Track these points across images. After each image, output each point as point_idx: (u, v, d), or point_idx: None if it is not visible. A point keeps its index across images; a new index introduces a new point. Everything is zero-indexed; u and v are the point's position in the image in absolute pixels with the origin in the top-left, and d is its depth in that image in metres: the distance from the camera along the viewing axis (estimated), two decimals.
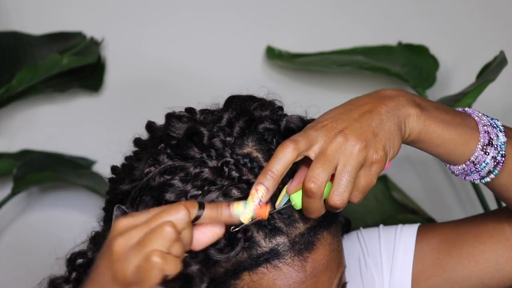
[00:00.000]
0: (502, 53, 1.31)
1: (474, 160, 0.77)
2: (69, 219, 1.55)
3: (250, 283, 0.75)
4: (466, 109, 0.81)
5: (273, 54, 1.57)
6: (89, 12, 1.56)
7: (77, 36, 1.53)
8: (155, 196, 0.75)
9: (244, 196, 0.72)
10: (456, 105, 1.17)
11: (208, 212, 0.69)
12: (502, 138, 0.78)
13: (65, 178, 1.45)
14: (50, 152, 1.52)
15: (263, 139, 0.79)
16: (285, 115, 0.82)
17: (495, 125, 0.79)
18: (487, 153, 0.77)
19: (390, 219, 1.50)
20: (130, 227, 0.67)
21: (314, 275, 0.75)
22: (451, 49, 1.62)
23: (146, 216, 0.67)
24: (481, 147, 0.77)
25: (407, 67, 1.55)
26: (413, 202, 1.58)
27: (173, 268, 0.65)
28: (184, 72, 1.57)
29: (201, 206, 0.69)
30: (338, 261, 0.79)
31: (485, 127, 0.78)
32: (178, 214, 0.67)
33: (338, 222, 0.80)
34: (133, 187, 0.78)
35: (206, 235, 0.70)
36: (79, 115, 1.57)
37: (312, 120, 0.82)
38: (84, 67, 1.51)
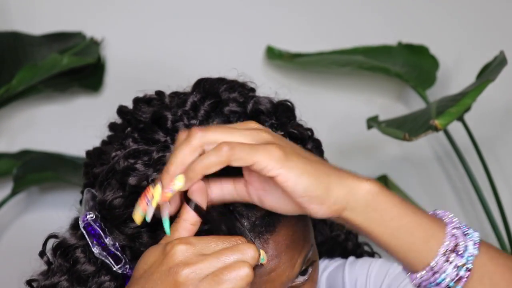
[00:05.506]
0: (502, 53, 1.31)
1: (433, 266, 0.65)
2: (69, 219, 1.54)
3: None
4: (437, 211, 0.70)
5: (273, 54, 1.57)
6: (89, 12, 1.56)
7: (77, 36, 1.53)
8: (118, 180, 0.75)
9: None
10: (456, 104, 1.16)
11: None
12: (472, 249, 0.66)
13: (65, 178, 1.44)
14: (50, 152, 1.52)
15: (229, 121, 0.77)
16: (254, 96, 0.80)
17: (467, 233, 0.67)
18: (449, 261, 0.65)
19: None
20: (196, 258, 0.65)
21: (276, 256, 0.73)
22: (451, 49, 1.62)
23: (214, 246, 0.67)
24: (443, 252, 0.65)
25: (407, 67, 1.55)
26: (413, 202, 1.58)
27: None
28: (184, 72, 1.55)
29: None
30: (302, 240, 0.76)
31: (454, 230, 0.67)
32: (251, 252, 0.66)
33: None
34: (102, 170, 0.78)
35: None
36: (79, 115, 1.57)
37: (284, 101, 0.82)
38: (84, 67, 1.51)
